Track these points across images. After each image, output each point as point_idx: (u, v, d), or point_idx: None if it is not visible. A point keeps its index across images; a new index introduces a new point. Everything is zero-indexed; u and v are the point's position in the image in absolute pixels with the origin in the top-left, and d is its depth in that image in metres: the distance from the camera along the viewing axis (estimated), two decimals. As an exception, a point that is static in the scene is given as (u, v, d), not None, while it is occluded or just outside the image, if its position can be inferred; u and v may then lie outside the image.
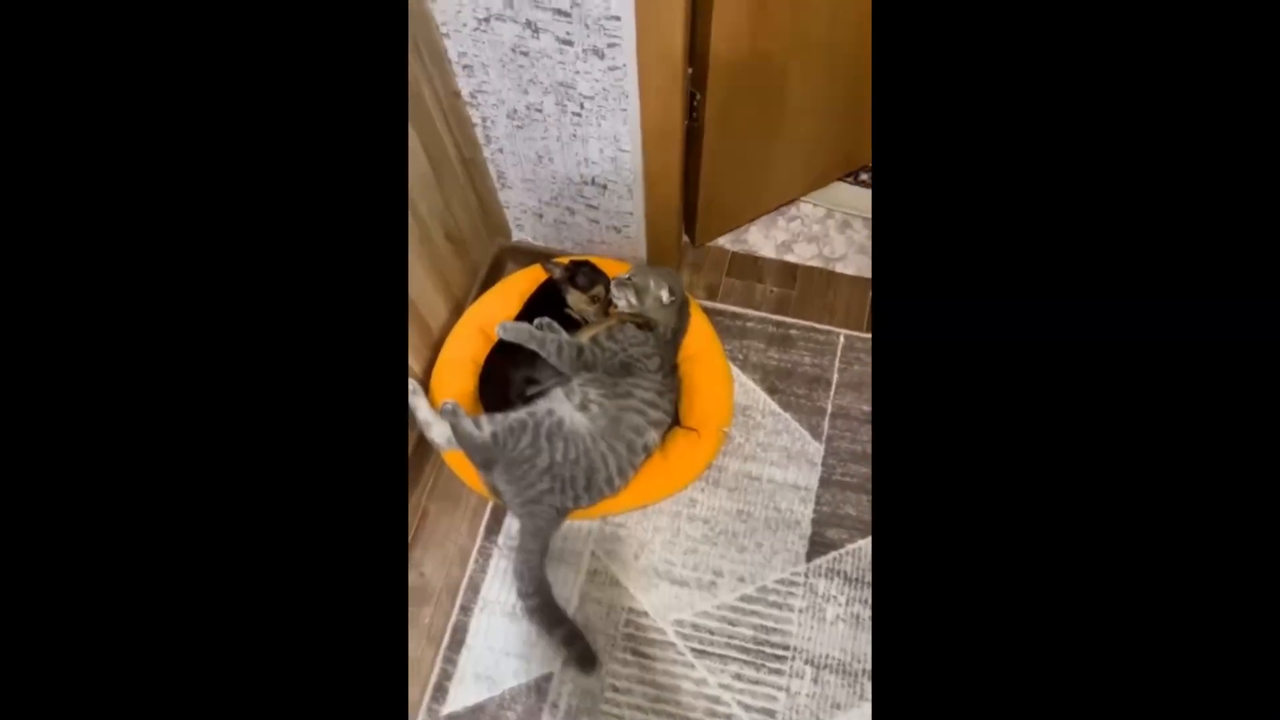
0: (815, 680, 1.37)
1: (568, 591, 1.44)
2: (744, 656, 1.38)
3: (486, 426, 1.36)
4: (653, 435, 1.42)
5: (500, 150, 1.44)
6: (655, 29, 1.08)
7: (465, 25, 1.16)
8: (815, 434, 1.59)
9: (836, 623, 1.41)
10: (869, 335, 1.69)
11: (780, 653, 1.39)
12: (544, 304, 1.55)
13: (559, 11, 1.08)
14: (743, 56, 1.31)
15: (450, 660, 1.39)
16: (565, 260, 1.57)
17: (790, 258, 1.79)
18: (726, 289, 1.75)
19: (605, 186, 1.46)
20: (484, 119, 1.37)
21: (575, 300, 1.54)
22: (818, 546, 1.48)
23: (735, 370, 1.64)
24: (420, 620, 1.44)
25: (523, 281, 1.60)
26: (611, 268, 1.57)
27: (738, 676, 1.37)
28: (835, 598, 1.43)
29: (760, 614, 1.42)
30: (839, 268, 1.78)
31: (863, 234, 1.83)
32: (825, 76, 1.51)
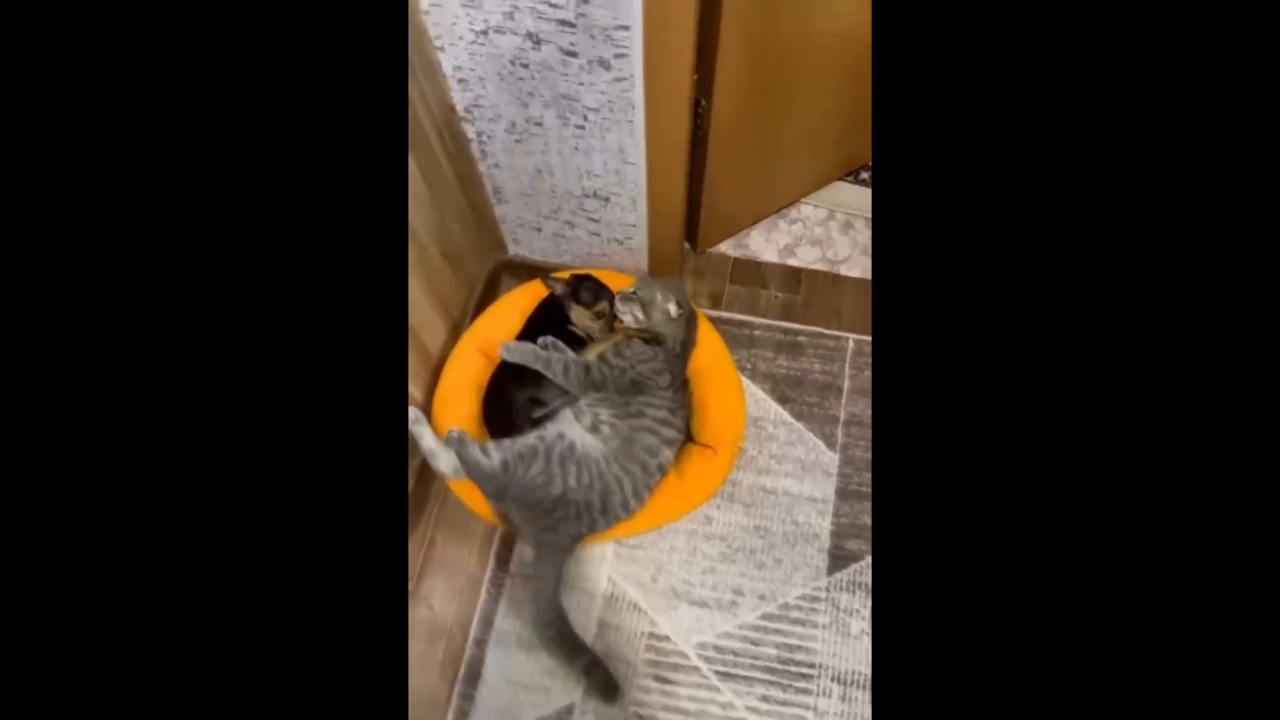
0: (844, 698, 1.34)
1: (585, 618, 1.40)
2: (770, 677, 1.35)
3: (495, 454, 1.31)
4: (667, 454, 1.37)
5: (497, 165, 1.38)
6: (665, 38, 1.03)
7: (462, 38, 1.10)
8: (829, 443, 1.56)
9: (862, 637, 1.38)
10: (878, 339, 1.66)
11: (806, 671, 1.36)
12: (546, 322, 1.49)
13: (563, 23, 1.03)
14: (750, 60, 1.26)
15: (466, 696, 1.35)
16: (566, 275, 1.52)
17: (794, 261, 1.75)
18: (730, 296, 1.71)
19: (608, 199, 1.40)
20: (480, 134, 1.31)
21: (579, 317, 1.49)
22: (838, 559, 1.45)
23: (744, 380, 1.60)
24: (432, 656, 1.38)
25: (523, 298, 1.55)
26: (614, 281, 1.52)
27: (764, 698, 1.34)
28: (859, 611, 1.40)
29: (784, 632, 1.39)
30: (844, 270, 1.74)
31: (865, 235, 1.79)
32: (828, 74, 1.47)
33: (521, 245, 1.65)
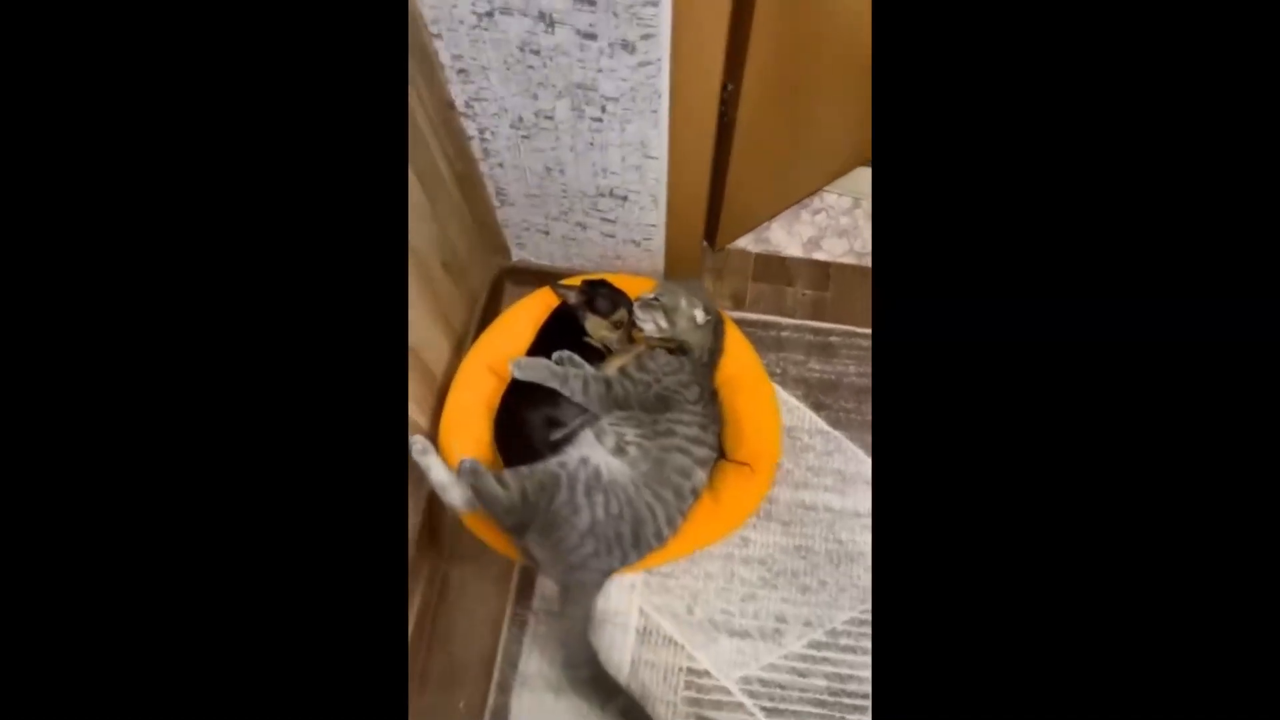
0: (903, 732, 1.24)
1: (617, 656, 1.29)
2: (821, 710, 1.25)
3: (513, 485, 1.19)
4: (700, 476, 1.26)
5: (500, 165, 1.25)
6: (698, 14, 0.90)
7: (462, 23, 0.96)
8: (870, 451, 1.45)
9: (918, 663, 1.28)
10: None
11: (859, 702, 1.26)
12: (559, 333, 1.37)
13: (582, 0, 0.89)
14: (781, 38, 1.13)
15: (493, 749, 1.23)
16: (577, 281, 1.39)
17: (820, 255, 1.63)
18: (755, 296, 1.59)
19: (625, 198, 1.27)
20: (481, 130, 1.17)
21: (595, 327, 1.37)
22: (888, 579, 1.34)
23: (775, 387, 1.48)
24: (453, 706, 1.27)
25: (532, 309, 1.42)
26: (629, 286, 1.39)
27: (817, 734, 1.24)
28: (913, 635, 1.30)
29: (832, 660, 1.29)
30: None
31: (893, 223, 1.68)
32: (858, 52, 1.34)
33: (527, 250, 1.52)
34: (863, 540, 1.38)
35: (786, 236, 1.65)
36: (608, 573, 1.20)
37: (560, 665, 1.25)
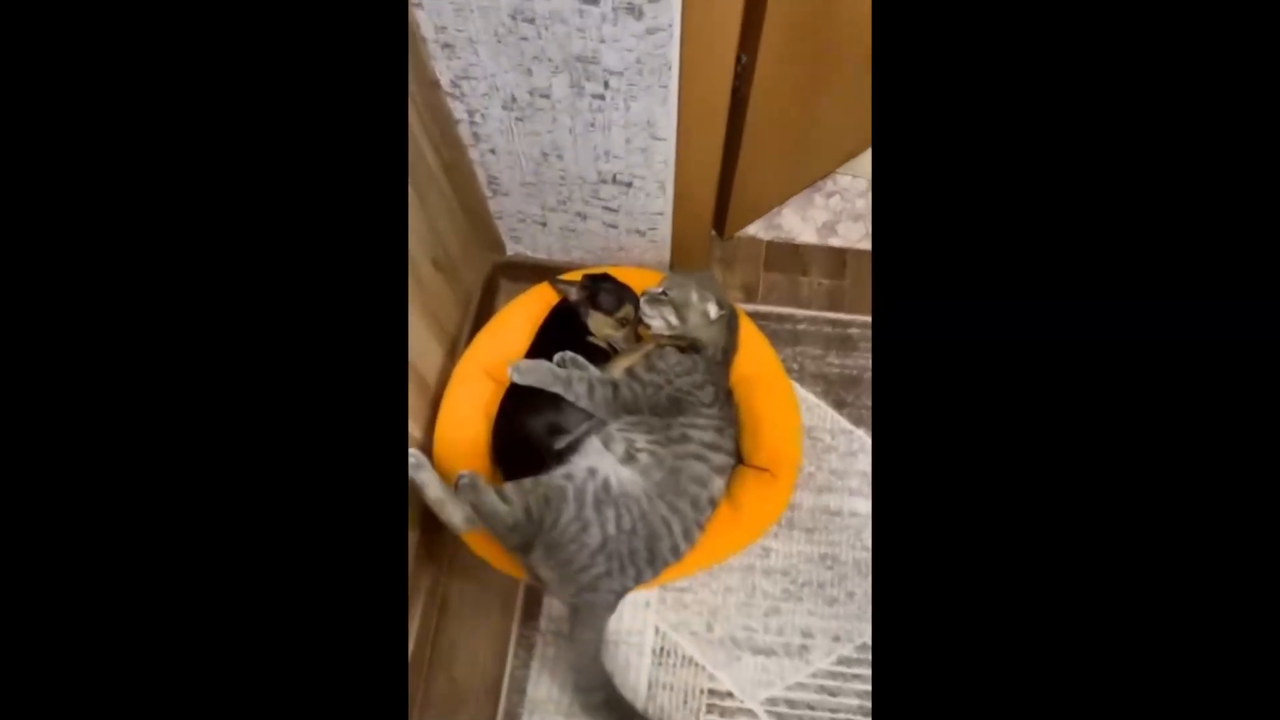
0: (943, 753, 1.15)
1: (633, 679, 1.20)
2: (854, 732, 1.17)
3: (516, 500, 1.10)
4: (718, 484, 1.17)
5: (492, 151, 1.14)
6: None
7: (445, -11, 0.85)
8: (896, 451, 1.35)
9: (955, 678, 1.20)
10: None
11: (894, 722, 1.17)
12: (559, 333, 1.27)
13: (580, -43, 0.79)
14: (799, 5, 1.03)
15: (502, 783, 1.15)
16: (577, 276, 1.29)
17: (835, 241, 1.53)
18: (767, 286, 1.49)
19: (630, 184, 1.17)
20: (470, 113, 1.06)
21: (598, 325, 1.27)
22: (920, 588, 1.26)
23: (793, 385, 1.39)
24: (458, 736, 1.18)
25: (530, 307, 1.32)
26: (635, 279, 1.29)
27: (850, 758, 1.15)
28: (950, 648, 1.22)
29: (864, 677, 1.20)
30: (892, 248, 1.53)
31: (912, 205, 1.58)
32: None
33: (522, 243, 1.41)
34: (892, 546, 1.29)
35: (799, 222, 1.55)
36: (621, 593, 1.11)
37: (571, 690, 1.17)
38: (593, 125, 1.04)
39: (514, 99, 1.01)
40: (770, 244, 1.53)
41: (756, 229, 1.54)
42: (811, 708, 1.18)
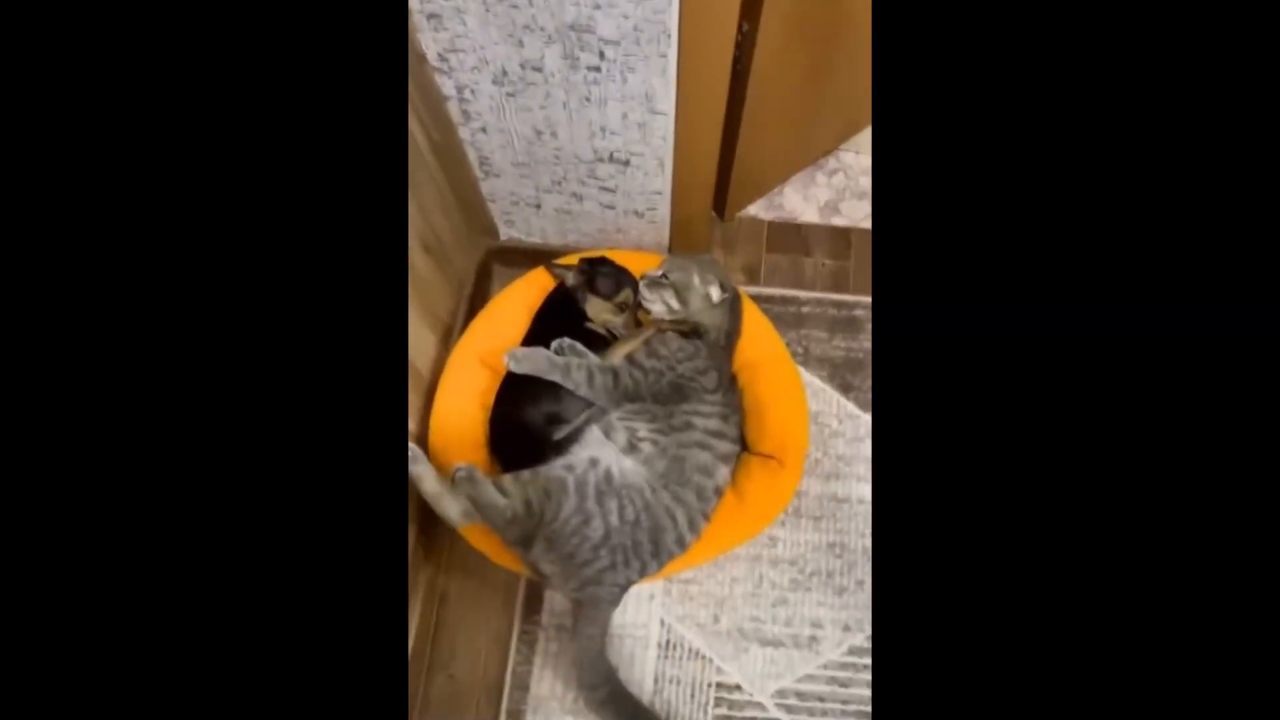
0: (957, 743, 1.13)
1: (639, 673, 1.17)
2: (866, 724, 1.14)
3: (515, 492, 1.06)
4: (724, 473, 1.13)
5: (483, 129, 1.09)
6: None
7: (428, -48, 0.80)
8: (905, 436, 1.32)
9: (969, 667, 1.17)
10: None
11: (907, 712, 1.14)
12: (557, 319, 1.23)
13: (573, -86, 0.74)
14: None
15: (506, 782, 1.12)
16: (574, 260, 1.25)
17: (839, 220, 1.49)
18: (770, 268, 1.45)
19: (627, 162, 1.12)
20: (459, 89, 1.01)
21: (597, 311, 1.23)
22: (931, 575, 1.23)
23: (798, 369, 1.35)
24: (460, 735, 1.15)
25: (525, 292, 1.28)
26: (633, 262, 1.25)
27: (862, 750, 1.13)
28: (962, 636, 1.19)
29: (875, 667, 1.17)
30: (897, 227, 1.48)
31: (917, 182, 1.53)
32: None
33: (516, 227, 1.36)
34: (902, 533, 1.26)
35: (801, 201, 1.51)
36: (625, 586, 1.08)
37: (576, 686, 1.14)
38: (588, 100, 0.99)
39: (505, 73, 0.96)
40: (772, 224, 1.49)
41: (757, 209, 1.50)
42: (822, 699, 1.16)
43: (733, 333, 1.23)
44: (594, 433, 1.14)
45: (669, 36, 0.87)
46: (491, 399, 1.20)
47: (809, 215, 1.49)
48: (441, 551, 1.25)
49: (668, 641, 1.19)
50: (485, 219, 1.35)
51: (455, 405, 1.20)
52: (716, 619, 1.21)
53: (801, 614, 1.21)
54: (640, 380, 1.14)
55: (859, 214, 1.49)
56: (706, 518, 1.11)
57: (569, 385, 1.14)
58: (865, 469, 1.30)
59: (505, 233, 1.39)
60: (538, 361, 1.15)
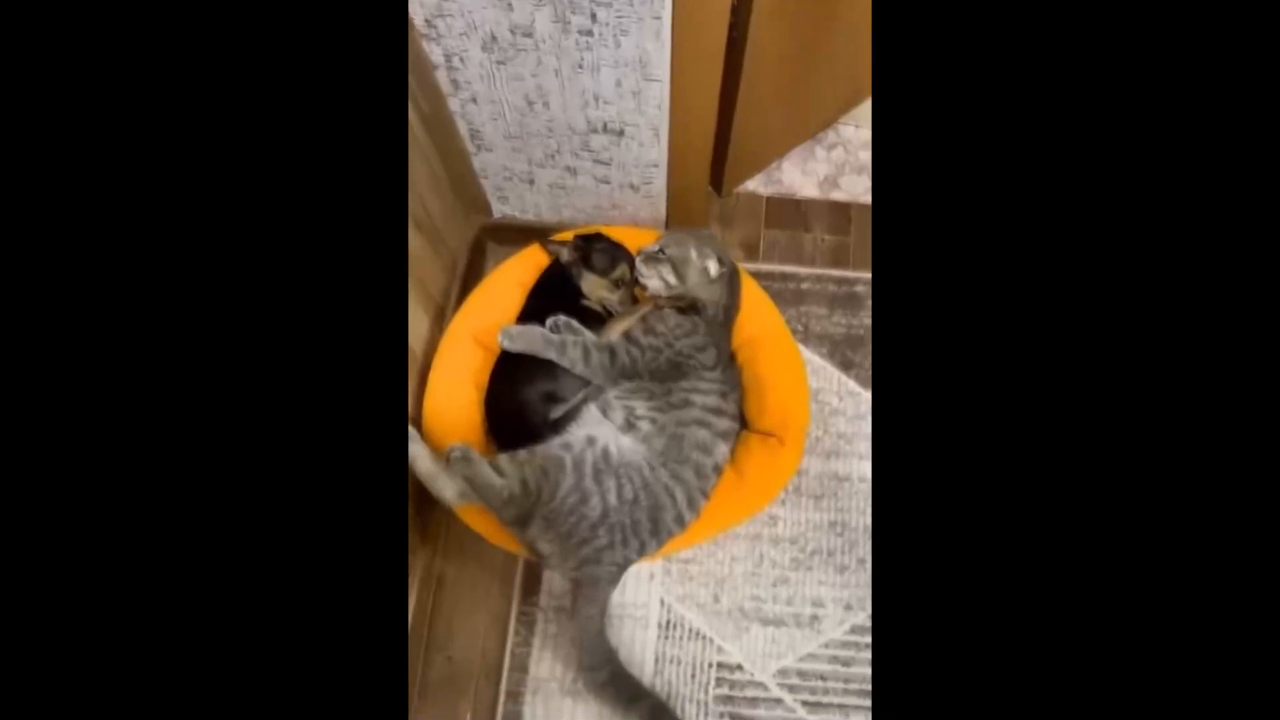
0: None
1: (639, 653, 1.16)
2: (868, 702, 1.13)
3: (511, 472, 1.04)
4: (723, 450, 1.11)
5: (473, 99, 1.06)
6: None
7: (411, -93, 0.77)
8: (906, 412, 1.30)
9: (972, 644, 1.16)
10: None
11: (910, 690, 1.13)
12: (552, 296, 1.21)
13: None
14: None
15: (506, 764, 1.11)
16: (569, 236, 1.22)
17: (838, 195, 1.46)
18: (769, 244, 1.43)
19: (621, 132, 1.09)
20: (448, 56, 0.98)
21: (592, 287, 1.20)
22: (934, 552, 1.21)
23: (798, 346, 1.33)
24: (458, 717, 1.14)
25: (519, 270, 1.25)
26: (630, 238, 1.22)
27: (864, 728, 1.11)
28: (966, 613, 1.17)
29: (878, 645, 1.16)
30: (898, 201, 1.46)
31: (918, 156, 1.51)
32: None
33: (510, 204, 1.34)
34: (904, 511, 1.24)
35: (800, 176, 1.48)
36: (624, 566, 1.07)
37: (576, 667, 1.13)
38: (580, 66, 0.96)
39: (494, 38, 0.93)
40: (770, 199, 1.46)
41: (756, 184, 1.47)
42: (824, 678, 1.14)
43: (731, 308, 1.21)
44: (591, 411, 1.12)
45: (663, -3, 0.85)
46: (486, 378, 1.18)
47: (808, 190, 1.47)
48: (438, 534, 1.23)
49: (668, 621, 1.18)
50: (478, 195, 1.32)
51: (449, 385, 1.17)
52: (717, 598, 1.19)
53: (803, 593, 1.19)
54: (637, 357, 1.12)
55: (859, 189, 1.47)
56: (706, 496, 1.09)
57: (564, 363, 1.12)
58: (866, 447, 1.28)
59: (499, 210, 1.36)
60: (532, 339, 1.12)
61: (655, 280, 1.16)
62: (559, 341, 1.11)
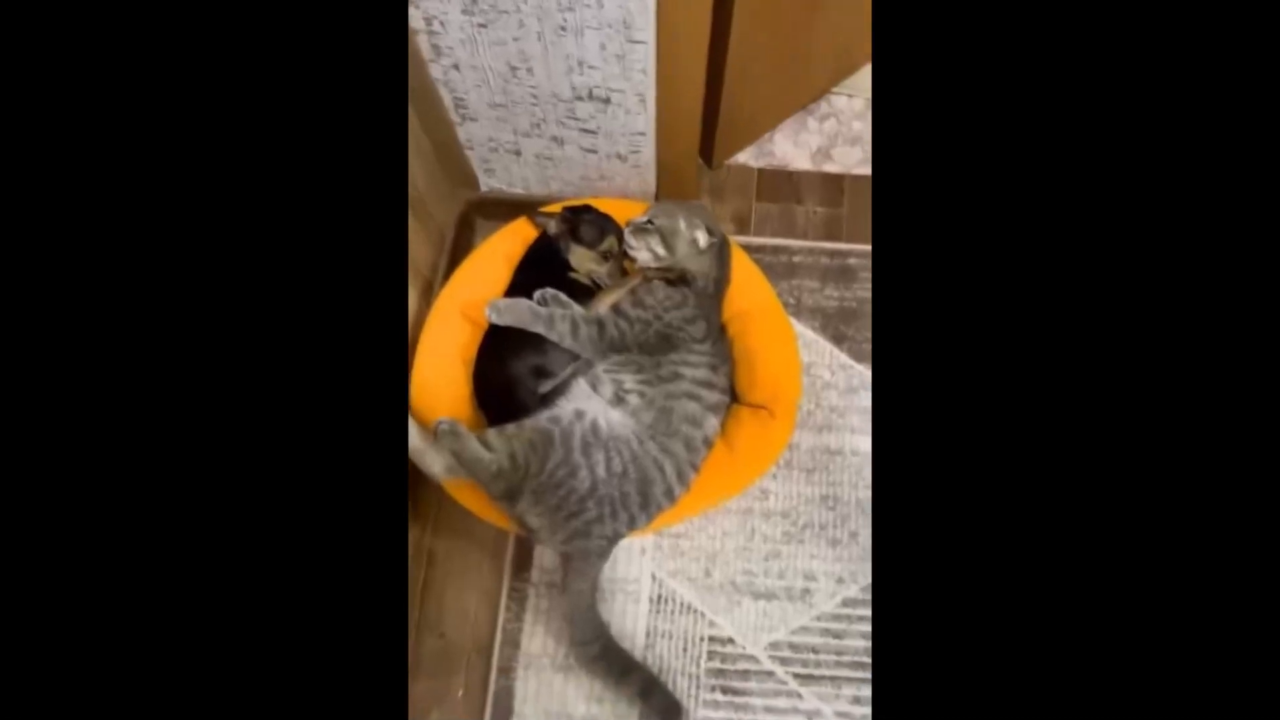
0: (953, 691, 1.12)
1: (631, 627, 1.16)
2: (860, 674, 1.13)
3: (499, 446, 1.03)
4: (713, 423, 1.10)
5: (455, 66, 1.04)
6: None
7: None
8: (899, 385, 1.29)
9: (964, 615, 1.16)
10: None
11: (901, 661, 1.13)
12: (540, 270, 1.19)
13: None
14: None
15: (498, 738, 1.11)
16: (558, 209, 1.20)
17: (831, 167, 1.44)
18: (760, 217, 1.41)
19: (607, 99, 1.07)
20: (428, 20, 0.96)
21: (580, 260, 1.19)
22: (926, 525, 1.21)
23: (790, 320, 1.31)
24: (451, 694, 1.14)
25: (507, 242, 1.23)
26: (619, 210, 1.20)
27: (856, 699, 1.12)
28: (958, 585, 1.17)
29: (869, 619, 1.16)
30: (891, 173, 1.44)
31: (912, 127, 1.48)
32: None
33: (497, 176, 1.31)
34: (896, 484, 1.23)
35: (792, 148, 1.46)
36: (614, 539, 1.06)
37: (568, 642, 1.13)
38: (563, 29, 0.94)
39: (474, 1, 0.91)
40: (762, 172, 1.44)
41: (747, 156, 1.45)
42: (815, 651, 1.14)
43: (721, 280, 1.19)
44: (580, 385, 1.10)
45: (646, -47, 0.82)
46: (474, 352, 1.17)
47: (800, 162, 1.44)
48: (429, 511, 1.23)
49: (659, 596, 1.17)
50: (464, 168, 1.30)
51: (437, 359, 1.16)
52: (708, 573, 1.19)
53: (794, 566, 1.19)
54: (626, 330, 1.11)
55: (852, 160, 1.45)
56: (695, 469, 1.09)
57: (553, 337, 1.10)
58: (858, 420, 1.27)
59: (485, 183, 1.34)
60: (520, 313, 1.11)
61: (644, 252, 1.14)
62: (547, 315, 1.10)
